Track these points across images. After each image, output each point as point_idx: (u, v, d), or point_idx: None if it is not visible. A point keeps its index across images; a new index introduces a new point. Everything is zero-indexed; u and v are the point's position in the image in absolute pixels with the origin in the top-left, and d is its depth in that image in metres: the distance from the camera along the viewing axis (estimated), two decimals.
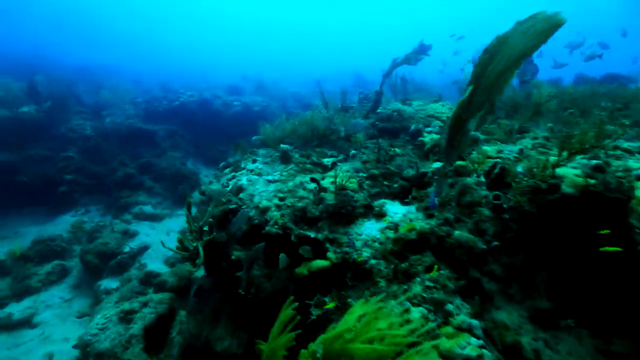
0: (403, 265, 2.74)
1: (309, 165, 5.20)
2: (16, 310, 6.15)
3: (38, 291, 6.74)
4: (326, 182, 4.01)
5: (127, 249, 7.48)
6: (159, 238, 8.31)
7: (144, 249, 7.74)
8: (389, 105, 7.20)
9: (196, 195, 10.28)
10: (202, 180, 11.10)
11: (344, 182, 3.75)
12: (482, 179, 3.29)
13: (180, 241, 4.49)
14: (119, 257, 7.19)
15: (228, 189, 4.87)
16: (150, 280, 6.45)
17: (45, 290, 6.84)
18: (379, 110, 7.06)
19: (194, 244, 3.94)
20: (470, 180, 3.34)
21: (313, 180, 3.91)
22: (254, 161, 5.85)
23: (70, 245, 8.01)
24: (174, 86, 14.00)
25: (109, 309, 5.19)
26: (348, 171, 4.25)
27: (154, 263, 7.36)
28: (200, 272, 5.88)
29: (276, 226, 3.68)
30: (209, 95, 13.19)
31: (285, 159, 5.56)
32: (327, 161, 4.72)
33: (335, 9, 62.69)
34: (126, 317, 4.91)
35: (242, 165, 5.82)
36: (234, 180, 5.09)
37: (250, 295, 3.71)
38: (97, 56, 25.00)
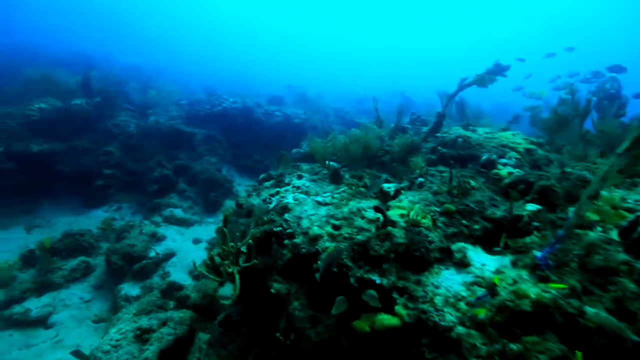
0: (514, 347, 1.99)
1: (362, 189, 4.57)
2: (35, 306, 5.87)
3: (59, 287, 6.47)
4: (392, 214, 3.34)
5: (152, 254, 7.12)
6: (186, 246, 7.94)
7: (169, 255, 7.36)
8: (451, 130, 6.48)
9: (228, 204, 9.92)
10: (235, 189, 10.76)
11: (417, 217, 3.07)
12: (613, 235, 2.49)
13: (211, 260, 3.94)
14: (143, 261, 6.82)
15: (271, 206, 4.33)
16: (172, 293, 5.97)
17: (67, 287, 6.56)
18: (438, 134, 6.36)
19: (230, 269, 3.37)
20: (593, 235, 2.55)
21: (377, 210, 3.26)
22: (300, 177, 5.31)
23: (98, 242, 7.79)
24: (217, 91, 14.06)
25: (125, 322, 4.72)
26: (416, 203, 3.57)
27: (178, 273, 6.92)
28: (226, 289, 5.32)
29: None
30: (252, 104, 13.06)
31: (335, 178, 4.97)
32: (388, 187, 4.06)
33: (380, 31, 63.22)
34: (142, 336, 4.40)
35: (286, 181, 5.28)
36: (277, 197, 4.54)
37: (288, 341, 3.06)
38: (148, 58, 26.23)
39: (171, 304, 5.74)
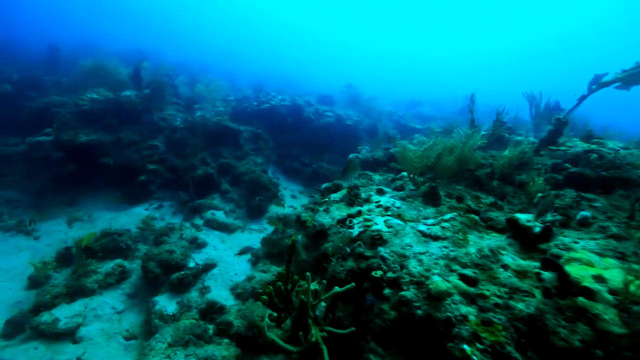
0: None
1: (473, 215, 3.34)
2: (64, 315, 5.24)
3: (92, 294, 5.84)
4: (573, 272, 2.11)
5: (192, 264, 6.32)
6: (227, 256, 7.10)
7: (210, 266, 6.54)
8: (570, 142, 5.05)
9: (274, 210, 9.03)
10: (281, 193, 9.87)
11: (632, 288, 1.81)
12: None
13: (269, 295, 2.91)
14: (182, 272, 6.03)
15: (354, 232, 3.23)
16: (212, 315, 5.08)
17: (100, 294, 5.92)
18: (553, 147, 4.95)
19: (312, 336, 2.30)
20: None
21: (547, 263, 2.04)
22: (381, 192, 4.17)
23: (136, 243, 7.18)
24: (265, 88, 13.36)
25: (158, 357, 3.85)
26: (603, 256, 2.29)
27: (218, 288, 6.06)
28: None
29: (479, 344, 1.88)
30: (302, 102, 12.18)
31: (432, 198, 3.78)
32: (527, 220, 2.81)
33: (426, 37, 60.86)
34: None
35: (363, 196, 4.17)
36: (360, 220, 3.44)
37: None
38: (195, 56, 26.55)
39: (211, 328, 4.84)
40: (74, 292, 5.67)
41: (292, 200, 10.19)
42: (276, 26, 58.32)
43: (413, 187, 4.27)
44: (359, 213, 3.57)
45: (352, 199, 4.19)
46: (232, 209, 8.97)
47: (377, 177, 5.35)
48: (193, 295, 5.86)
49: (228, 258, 7.00)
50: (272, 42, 53.24)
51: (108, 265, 6.35)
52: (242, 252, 7.16)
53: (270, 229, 8.41)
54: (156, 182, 9.22)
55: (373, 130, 13.05)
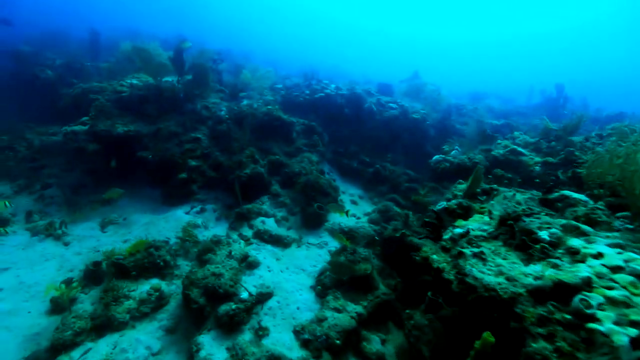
0: None
1: None
2: None
3: (123, 327, 4.62)
4: None
5: (244, 295, 4.92)
6: (286, 280, 5.64)
7: (266, 296, 5.11)
8: None
9: (334, 221, 7.49)
10: (341, 199, 8.30)
11: None
12: None
13: None
14: (233, 305, 4.65)
15: (619, 340, 1.53)
16: None
17: (132, 327, 4.69)
18: None
19: None
20: None
21: None
22: (582, 234, 2.43)
23: (176, 258, 5.94)
24: (317, 76, 11.79)
25: None
26: None
27: (279, 329, 4.62)
28: None
29: None
30: (361, 92, 10.47)
31: None
32: None
33: (475, 21, 56.33)
34: None
35: (545, 237, 2.45)
36: (601, 303, 1.73)
37: None
38: (236, 44, 25.54)
39: None
40: (101, 326, 4.47)
41: (353, 206, 8.59)
42: (312, 18, 56.62)
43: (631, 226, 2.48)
44: (589, 284, 1.86)
45: (526, 241, 2.47)
46: (285, 216, 7.54)
47: (519, 196, 3.58)
48: (246, 337, 4.46)
49: (287, 284, 5.55)
50: (310, 34, 51.65)
51: (143, 288, 5.13)
52: (300, 270, 5.67)
53: (332, 243, 6.89)
54: (198, 180, 7.99)
55: (441, 126, 11.08)
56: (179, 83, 9.33)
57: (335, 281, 5.53)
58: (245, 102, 9.78)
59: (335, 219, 7.55)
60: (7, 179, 8.72)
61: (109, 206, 7.73)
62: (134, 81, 9.45)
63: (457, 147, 7.19)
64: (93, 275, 5.27)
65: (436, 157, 7.09)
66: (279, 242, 6.68)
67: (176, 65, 9.20)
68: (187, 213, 7.40)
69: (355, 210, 8.47)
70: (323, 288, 5.44)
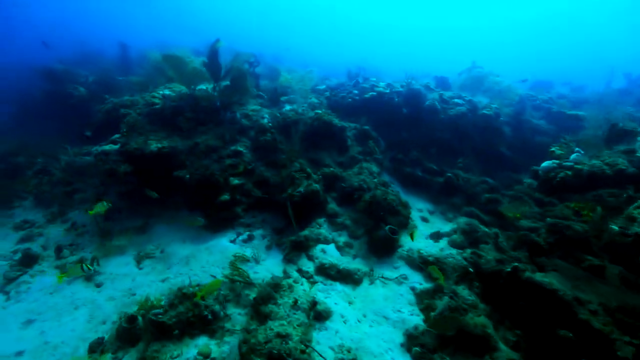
0: None
1: None
2: None
3: None
4: None
5: None
6: (368, 336, 4.26)
7: None
8: None
9: (410, 247, 6.03)
10: (414, 222, 6.84)
11: None
12: None
13: None
14: None
15: None
16: None
17: None
18: None
19: None
20: None
21: None
22: None
23: (225, 306, 4.75)
24: (364, 73, 10.43)
25: None
26: None
27: None
28: None
29: None
30: (420, 87, 8.96)
31: None
32: None
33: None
34: None
35: None
36: None
37: None
38: (262, 48, 24.72)
39: None
40: None
41: (423, 224, 7.10)
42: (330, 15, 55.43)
43: None
44: None
45: None
46: (347, 242, 6.20)
47: None
48: None
49: (370, 341, 4.18)
50: (328, 32, 50.50)
51: (188, 353, 3.96)
52: (383, 318, 4.26)
53: (412, 277, 5.45)
54: (242, 202, 6.86)
55: (516, 123, 9.32)
56: (215, 90, 8.32)
57: (438, 339, 4.09)
58: (287, 107, 8.61)
59: (409, 242, 6.10)
60: (43, 205, 8.09)
61: (144, 235, 6.78)
62: (167, 92, 8.57)
63: (577, 149, 5.48)
64: (127, 334, 4.19)
65: (546, 163, 5.47)
66: (347, 277, 5.34)
67: (211, 69, 8.19)
68: (232, 242, 6.26)
69: (426, 228, 6.97)
70: (422, 349, 4.02)
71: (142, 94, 8.75)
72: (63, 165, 9.26)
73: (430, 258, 5.52)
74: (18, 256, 6.06)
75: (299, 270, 5.40)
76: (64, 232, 6.98)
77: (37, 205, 8.17)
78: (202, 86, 8.73)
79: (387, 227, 5.90)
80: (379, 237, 5.99)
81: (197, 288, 4.53)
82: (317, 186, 6.52)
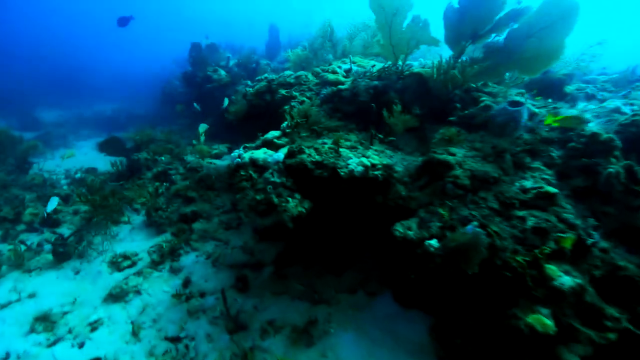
0: None
1: None
2: None
3: None
4: None
5: None
6: None
7: None
8: None
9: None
10: None
11: None
12: None
13: None
14: None
15: None
16: None
17: None
18: None
19: None
20: None
21: None
22: None
23: None
24: None
25: None
26: None
27: None
28: None
29: None
30: None
31: None
32: None
33: None
34: None
35: None
36: None
37: None
38: None
39: None
40: None
41: None
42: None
43: None
44: None
45: None
46: None
47: None
48: None
49: None
50: None
51: None
52: None
53: None
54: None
55: None
56: (451, 68, 4.26)
57: None
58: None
59: None
60: (154, 227, 5.34)
61: (309, 349, 3.06)
62: (354, 67, 4.94)
63: None
64: None
65: None
66: None
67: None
68: None
69: None
70: None
71: (313, 67, 5.33)
72: (187, 168, 6.59)
73: None
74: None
75: None
76: (170, 299, 3.81)
77: (148, 225, 5.48)
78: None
79: None
80: None
81: None
82: None
